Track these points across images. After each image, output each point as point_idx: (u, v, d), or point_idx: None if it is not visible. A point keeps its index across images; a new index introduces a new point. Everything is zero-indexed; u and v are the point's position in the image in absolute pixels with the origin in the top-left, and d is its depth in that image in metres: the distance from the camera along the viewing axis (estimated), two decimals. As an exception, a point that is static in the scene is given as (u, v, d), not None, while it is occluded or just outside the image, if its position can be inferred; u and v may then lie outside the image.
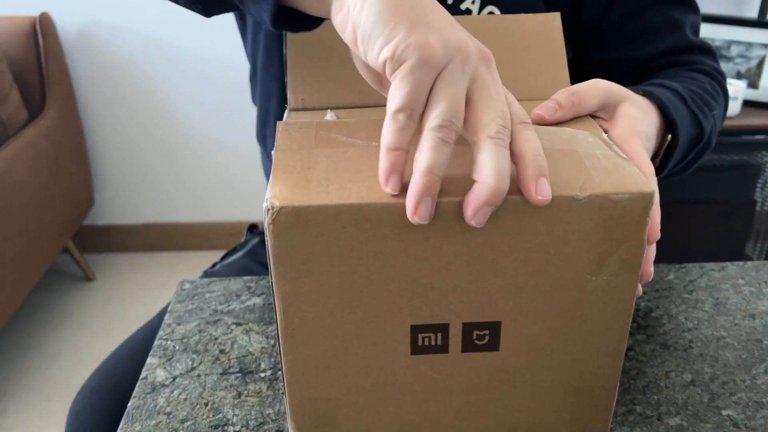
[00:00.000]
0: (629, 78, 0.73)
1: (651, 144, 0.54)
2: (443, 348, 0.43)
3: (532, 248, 0.40)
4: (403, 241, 0.39)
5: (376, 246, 0.39)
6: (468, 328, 0.43)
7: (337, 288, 0.41)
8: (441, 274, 0.40)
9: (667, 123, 0.57)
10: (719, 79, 0.72)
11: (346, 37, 0.41)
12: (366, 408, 0.46)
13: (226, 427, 0.51)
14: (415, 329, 0.42)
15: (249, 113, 1.42)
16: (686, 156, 0.63)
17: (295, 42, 0.52)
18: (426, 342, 0.43)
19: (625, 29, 0.72)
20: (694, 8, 0.74)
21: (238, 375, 0.56)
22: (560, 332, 0.43)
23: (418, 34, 0.37)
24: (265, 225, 0.38)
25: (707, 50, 0.75)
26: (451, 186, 0.38)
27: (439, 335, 0.43)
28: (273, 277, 0.40)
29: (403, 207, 0.37)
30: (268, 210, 0.38)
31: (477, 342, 0.43)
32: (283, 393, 0.51)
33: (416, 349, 0.43)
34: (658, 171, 0.59)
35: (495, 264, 0.40)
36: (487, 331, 0.43)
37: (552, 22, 0.54)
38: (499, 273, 0.41)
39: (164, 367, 0.57)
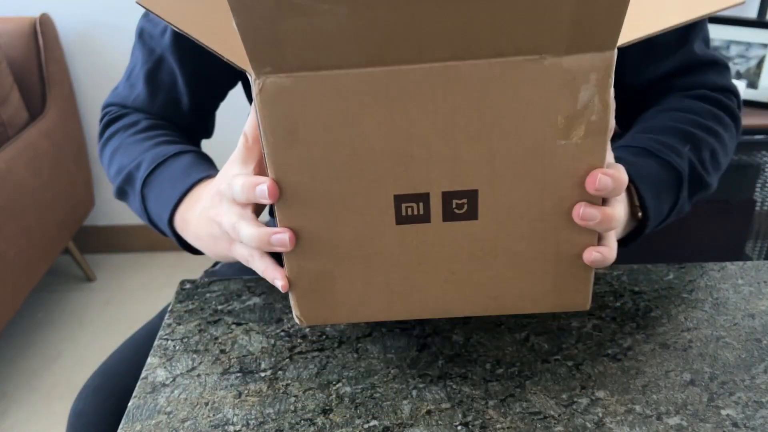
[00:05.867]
0: (629, 107, 0.70)
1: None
2: (425, 217, 0.45)
3: (502, 113, 0.41)
4: (382, 110, 0.41)
5: (357, 115, 0.41)
6: (447, 197, 0.44)
7: (323, 157, 0.43)
8: (419, 143, 0.42)
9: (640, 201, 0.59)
10: (725, 104, 0.68)
11: None
12: (359, 279, 0.48)
13: (226, 427, 0.51)
14: (398, 199, 0.44)
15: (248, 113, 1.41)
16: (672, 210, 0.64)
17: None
18: (409, 212, 0.45)
19: (630, 49, 0.66)
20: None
21: (239, 375, 0.56)
22: (535, 200, 0.44)
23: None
24: (254, 95, 0.41)
25: (718, 64, 0.70)
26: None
27: (421, 205, 0.45)
28: (265, 148, 0.43)
29: (382, 75, 0.39)
30: (255, 81, 0.40)
31: (456, 211, 0.45)
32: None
33: (400, 219, 0.45)
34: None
35: (467, 130, 0.42)
36: (465, 200, 0.44)
37: None
38: (473, 139, 0.42)
39: (165, 367, 0.57)
